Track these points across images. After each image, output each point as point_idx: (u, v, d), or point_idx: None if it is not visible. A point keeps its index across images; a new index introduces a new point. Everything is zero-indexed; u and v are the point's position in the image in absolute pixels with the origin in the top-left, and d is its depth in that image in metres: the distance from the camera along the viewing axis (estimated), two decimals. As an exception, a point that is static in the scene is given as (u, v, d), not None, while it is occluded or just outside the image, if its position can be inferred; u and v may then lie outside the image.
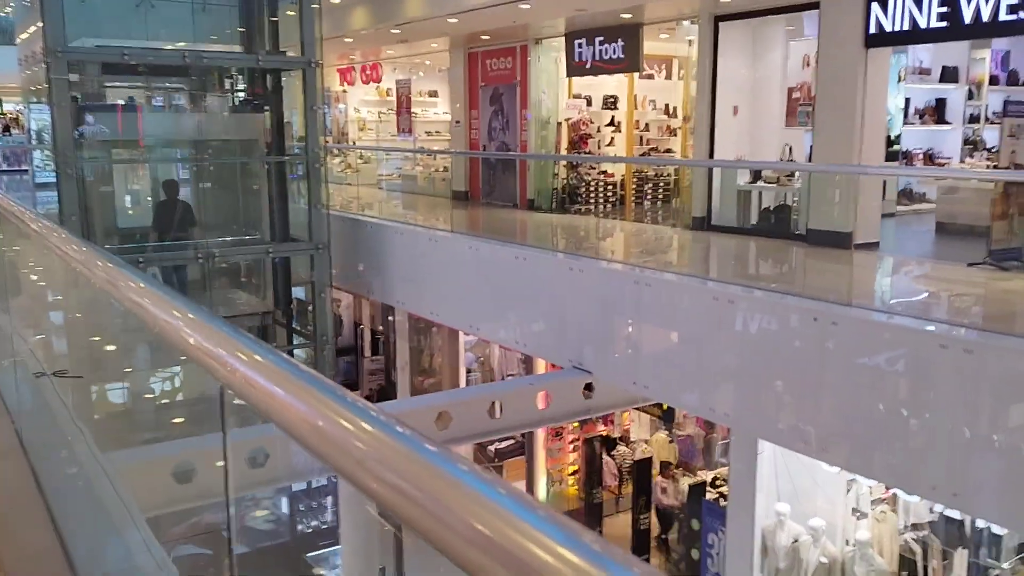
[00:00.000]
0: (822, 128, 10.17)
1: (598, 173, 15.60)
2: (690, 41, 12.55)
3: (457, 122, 17.74)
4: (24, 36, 12.08)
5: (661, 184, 16.43)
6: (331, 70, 22.48)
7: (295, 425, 1.02)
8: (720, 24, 11.70)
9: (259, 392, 1.14)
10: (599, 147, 16.17)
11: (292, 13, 11.70)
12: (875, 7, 9.47)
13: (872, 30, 9.54)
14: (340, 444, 0.93)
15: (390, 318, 17.20)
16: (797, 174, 11.27)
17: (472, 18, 12.69)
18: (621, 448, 13.12)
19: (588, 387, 8.34)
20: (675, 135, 16.85)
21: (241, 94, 12.59)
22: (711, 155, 12.04)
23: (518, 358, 14.69)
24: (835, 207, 9.70)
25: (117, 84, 11.87)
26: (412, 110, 21.33)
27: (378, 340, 18.45)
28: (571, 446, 13.45)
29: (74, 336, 5.04)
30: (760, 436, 8.13)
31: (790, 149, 11.73)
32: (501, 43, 15.79)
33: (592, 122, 15.97)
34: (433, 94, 23.32)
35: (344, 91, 23.59)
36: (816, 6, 10.11)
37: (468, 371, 15.90)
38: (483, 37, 15.51)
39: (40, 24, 9.54)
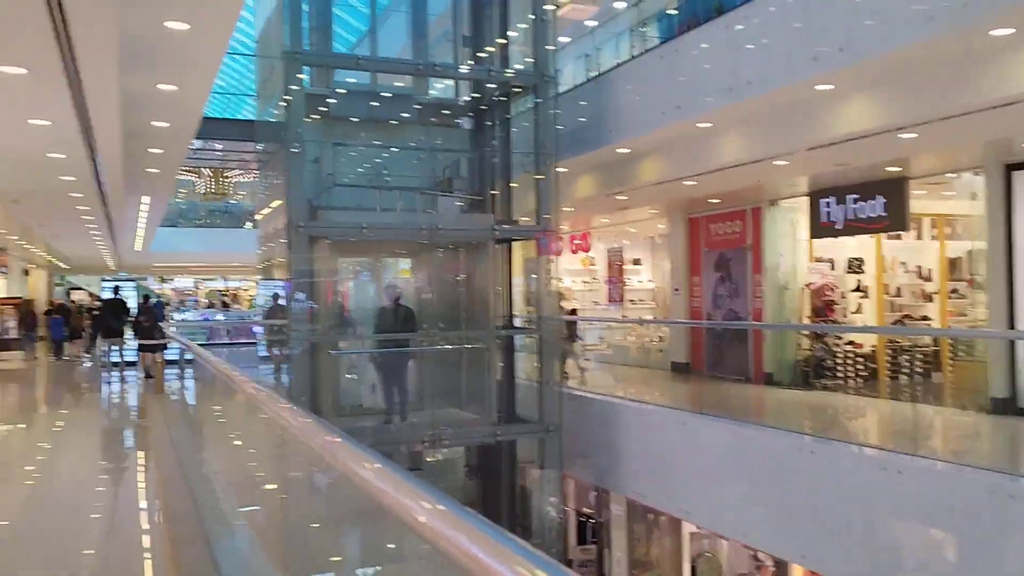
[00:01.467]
0: None
1: (846, 344, 13.79)
2: (973, 194, 10.92)
3: (676, 289, 16.64)
4: (264, 213, 12.33)
5: (918, 355, 14.30)
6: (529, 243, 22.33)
7: None
8: (1013, 173, 10.08)
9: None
10: (844, 315, 14.42)
11: (515, 184, 11.28)
12: None
13: None
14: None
15: (603, 503, 15.58)
16: None
17: (712, 180, 11.75)
18: None
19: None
20: (931, 300, 14.83)
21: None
22: (1011, 324, 10.10)
23: (749, 554, 12.61)
24: None
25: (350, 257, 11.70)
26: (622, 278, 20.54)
27: (584, 524, 16.71)
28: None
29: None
30: None
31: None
32: (729, 206, 14.77)
33: (837, 287, 14.34)
34: (637, 262, 22.56)
35: (551, 261, 23.23)
36: None
37: (692, 567, 13.89)
38: (711, 201, 14.57)
39: (275, 204, 9.42)
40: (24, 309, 23.27)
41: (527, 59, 11.60)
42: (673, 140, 11.18)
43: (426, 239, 10.17)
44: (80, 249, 25.24)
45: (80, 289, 42.92)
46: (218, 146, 29.08)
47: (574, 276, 23.53)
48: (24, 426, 11.86)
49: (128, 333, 18.38)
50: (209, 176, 37.21)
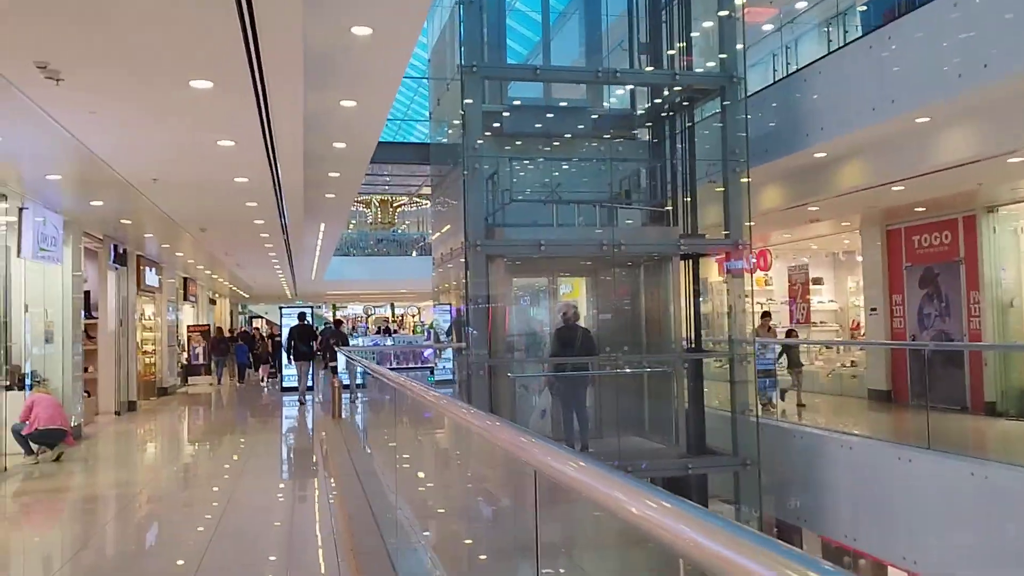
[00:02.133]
0: None
1: (1087, 369, 11.93)
2: None
3: (873, 310, 15.12)
4: (436, 237, 12.12)
5: None
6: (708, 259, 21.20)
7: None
8: None
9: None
10: (1083, 335, 12.52)
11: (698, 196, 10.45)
12: None
13: None
14: None
15: (791, 543, 14.21)
16: None
17: (924, 184, 10.45)
18: None
19: None
20: None
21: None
22: None
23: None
24: None
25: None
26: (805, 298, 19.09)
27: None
28: None
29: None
30: None
31: None
32: (936, 215, 13.24)
33: (1074, 304, 12.48)
34: (818, 281, 20.98)
35: (724, 281, 22.03)
36: None
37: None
38: (917, 209, 13.10)
39: (446, 228, 9.05)
40: (215, 336, 24.61)
41: (708, 63, 10.81)
42: (880, 140, 10.00)
43: (607, 254, 9.52)
44: (261, 278, 26.40)
45: (259, 317, 45.39)
46: (385, 175, 29.81)
47: (746, 296, 22.20)
48: (210, 447, 12.14)
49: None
50: (377, 206, 38.43)
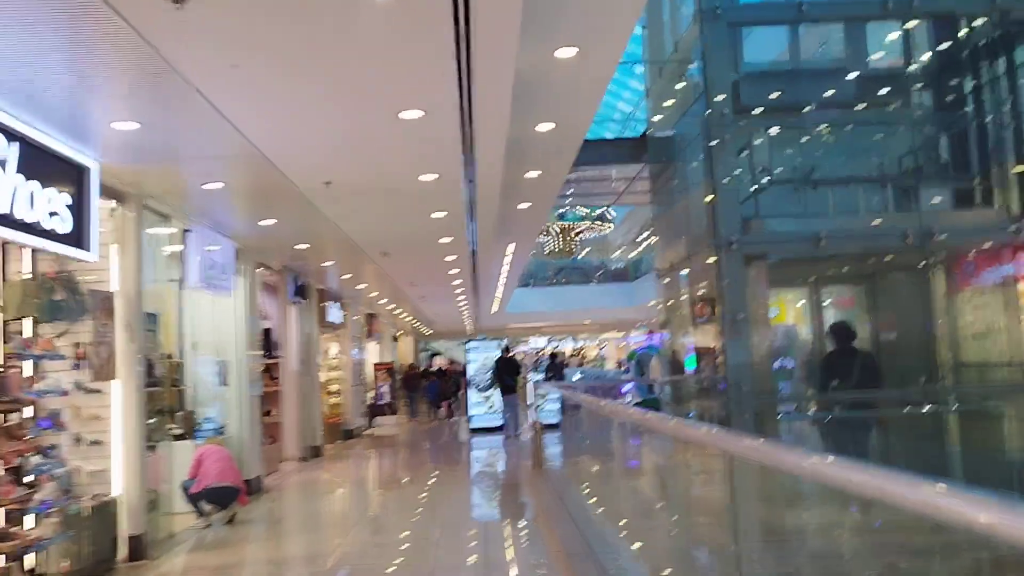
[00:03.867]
0: None
1: None
2: None
3: None
4: (660, 247, 9.91)
5: None
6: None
7: None
8: None
9: None
10: None
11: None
12: None
13: None
14: None
15: None
16: None
17: None
18: None
19: None
20: None
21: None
22: None
23: None
24: None
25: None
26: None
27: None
28: None
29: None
30: None
31: None
32: None
33: None
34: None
35: None
36: None
37: None
38: None
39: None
40: (408, 372, 25.28)
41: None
42: None
43: (911, 247, 6.94)
44: (443, 311, 25.21)
45: (439, 354, 44.80)
46: (567, 195, 28.02)
47: None
48: (406, 505, 10.46)
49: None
50: (558, 233, 36.81)
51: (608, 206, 36.87)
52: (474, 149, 6.93)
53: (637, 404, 18.63)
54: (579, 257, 38.04)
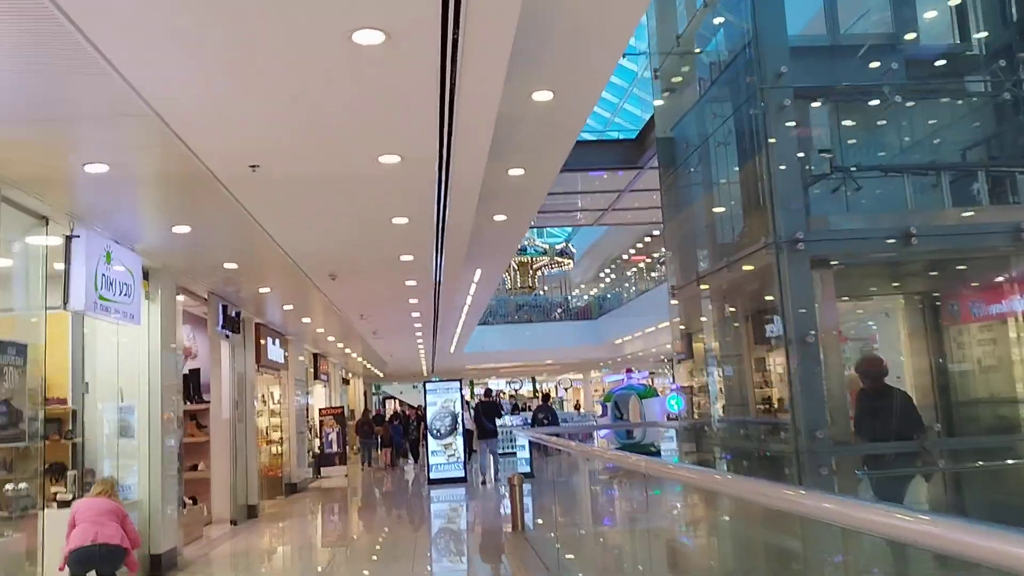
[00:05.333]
0: None
1: None
2: None
3: None
4: (672, 259, 8.16)
5: None
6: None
7: None
8: None
9: None
10: None
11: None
12: None
13: None
14: None
15: None
16: None
17: None
18: None
19: None
20: None
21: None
22: None
23: None
24: None
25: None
26: None
27: None
28: None
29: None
30: None
31: None
32: None
33: None
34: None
35: None
36: None
37: None
38: None
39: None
40: (361, 419, 24.15)
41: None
42: None
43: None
44: (398, 350, 23.23)
45: (393, 398, 42.52)
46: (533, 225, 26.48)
47: None
48: (353, 568, 8.44)
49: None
50: (516, 269, 35.19)
51: (567, 232, 35.48)
52: (453, 126, 5.19)
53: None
54: (540, 293, 36.44)
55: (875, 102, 6.05)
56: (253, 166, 5.62)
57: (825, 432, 4.93)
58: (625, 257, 34.29)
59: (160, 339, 8.79)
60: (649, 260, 33.37)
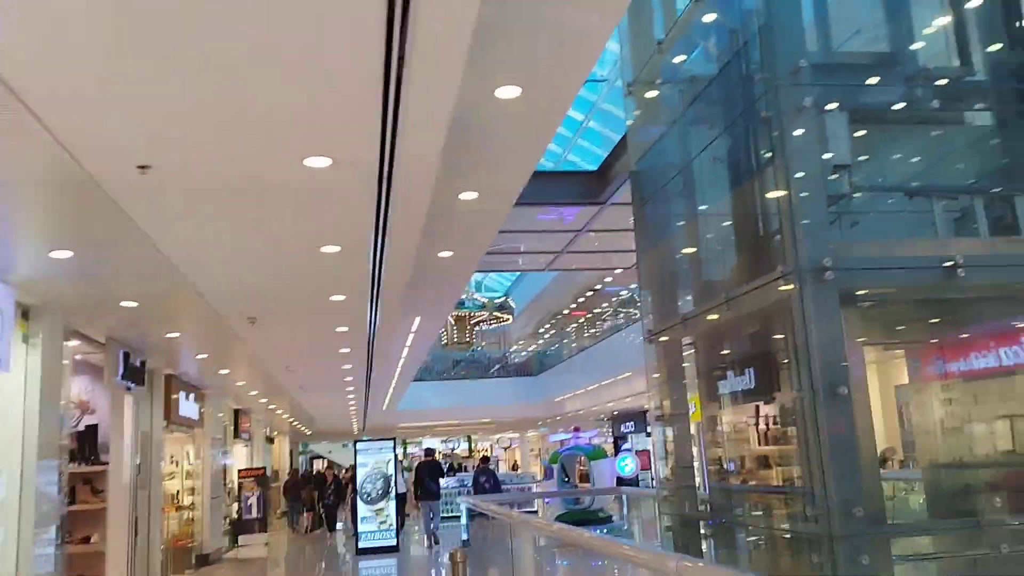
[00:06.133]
0: None
1: None
2: None
3: None
4: (650, 303, 7.16)
5: None
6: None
7: None
8: None
9: None
10: None
11: None
12: None
13: None
14: None
15: None
16: None
17: None
18: None
19: None
20: None
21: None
22: None
23: None
24: None
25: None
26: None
27: None
28: None
29: None
30: None
31: None
32: None
33: None
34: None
35: None
36: None
37: None
38: None
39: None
40: (290, 479, 23.06)
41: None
42: None
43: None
44: (326, 406, 21.74)
45: (321, 458, 40.45)
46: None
47: None
48: None
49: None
50: (453, 324, 33.97)
51: (506, 286, 34.52)
52: (398, 126, 4.14)
53: (560, 517, 15.60)
54: (478, 348, 35.25)
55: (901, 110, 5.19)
56: (142, 167, 4.43)
57: (862, 508, 3.91)
58: (566, 312, 33.44)
59: (39, 391, 7.38)
60: (590, 316, 32.59)
